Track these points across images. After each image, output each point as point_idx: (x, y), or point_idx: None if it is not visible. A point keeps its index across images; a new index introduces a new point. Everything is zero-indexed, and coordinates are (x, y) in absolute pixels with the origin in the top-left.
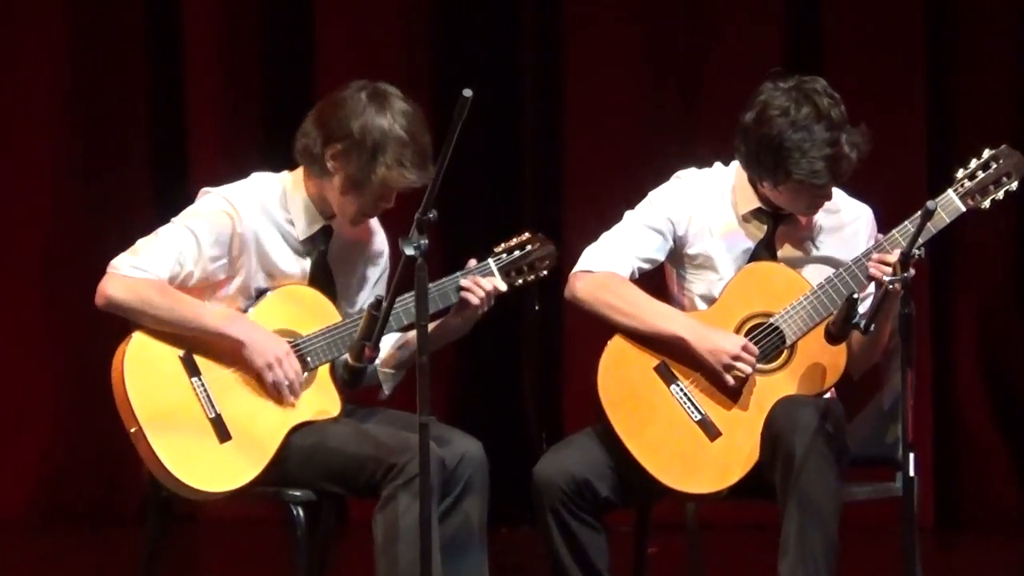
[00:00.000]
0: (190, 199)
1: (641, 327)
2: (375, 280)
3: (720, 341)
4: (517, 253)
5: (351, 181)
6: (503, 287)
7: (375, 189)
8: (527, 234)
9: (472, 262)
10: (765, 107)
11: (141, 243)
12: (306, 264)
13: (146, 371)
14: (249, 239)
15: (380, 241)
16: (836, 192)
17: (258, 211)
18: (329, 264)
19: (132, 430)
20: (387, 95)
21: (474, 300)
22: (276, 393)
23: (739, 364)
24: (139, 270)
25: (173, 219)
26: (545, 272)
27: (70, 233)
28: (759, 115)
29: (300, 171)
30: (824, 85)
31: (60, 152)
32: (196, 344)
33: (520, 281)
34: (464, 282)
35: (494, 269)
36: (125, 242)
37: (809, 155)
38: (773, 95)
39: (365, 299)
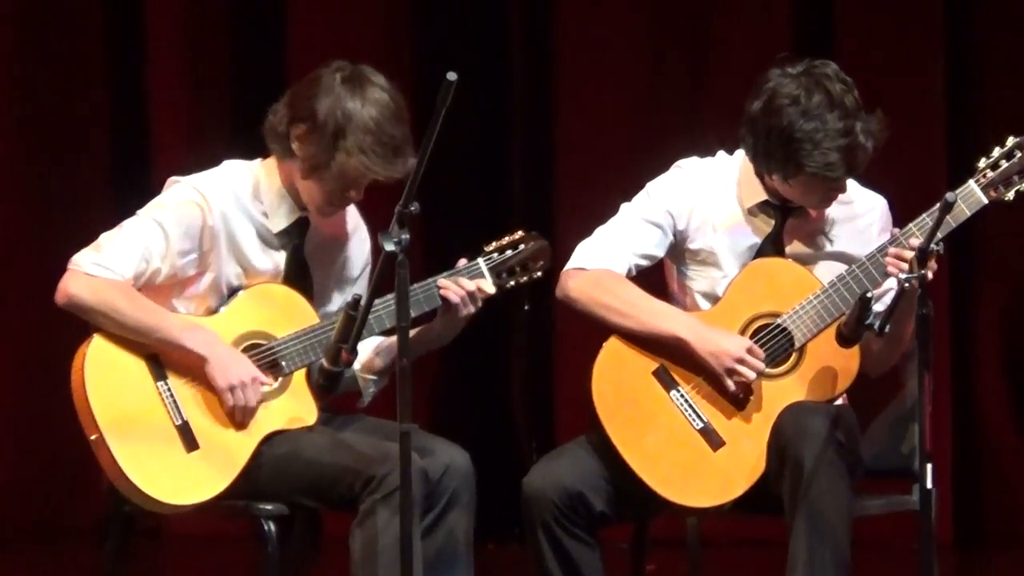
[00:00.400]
0: (152, 190)
1: (638, 328)
2: (355, 278)
3: (723, 343)
4: (509, 252)
5: (309, 164)
6: (490, 289)
7: (334, 177)
8: (520, 232)
9: (462, 261)
10: (773, 95)
11: (104, 238)
12: (280, 259)
13: (109, 373)
14: (220, 231)
15: (362, 236)
16: (849, 182)
17: (230, 201)
18: (305, 259)
19: (92, 437)
20: (365, 80)
21: (454, 298)
22: (233, 417)
23: (743, 368)
24: (103, 268)
25: (138, 211)
26: (539, 273)
27: (22, 226)
28: (767, 104)
29: (274, 159)
30: (835, 69)
31: (11, 140)
32: (160, 349)
33: (512, 283)
34: (443, 281)
35: (484, 270)
36: (82, 236)
37: (822, 146)
38: (781, 82)
39: (344, 299)
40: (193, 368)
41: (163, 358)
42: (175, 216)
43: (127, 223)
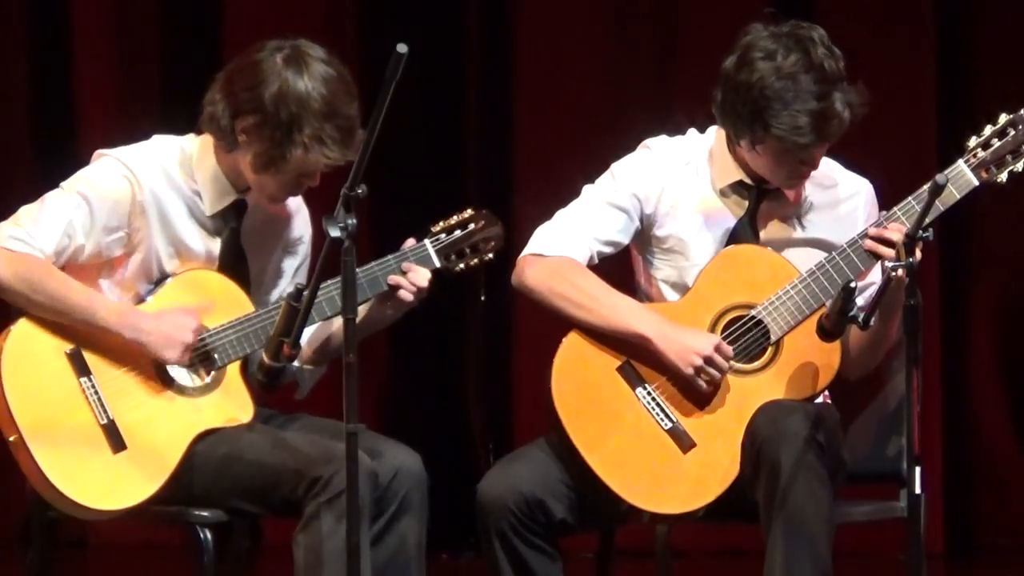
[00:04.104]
0: (76, 164)
1: (599, 323)
2: (295, 267)
3: (689, 341)
4: (458, 233)
5: (264, 160)
6: (424, 281)
7: (292, 169)
8: (469, 211)
9: (410, 241)
10: (748, 49)
11: (24, 211)
12: (215, 244)
13: (28, 370)
14: (151, 209)
15: (304, 218)
16: (831, 164)
17: (161, 178)
18: (242, 244)
19: (11, 438)
20: (306, 58)
21: (408, 297)
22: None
23: (710, 369)
24: (21, 242)
25: (62, 184)
26: (490, 255)
27: None
28: (741, 58)
29: (208, 137)
30: (822, 35)
31: None
32: (85, 338)
33: (461, 266)
34: (395, 278)
35: (431, 252)
36: (2, 211)
37: (792, 107)
38: (760, 36)
39: (282, 289)
40: (123, 353)
41: (87, 349)
42: (101, 190)
43: (49, 196)
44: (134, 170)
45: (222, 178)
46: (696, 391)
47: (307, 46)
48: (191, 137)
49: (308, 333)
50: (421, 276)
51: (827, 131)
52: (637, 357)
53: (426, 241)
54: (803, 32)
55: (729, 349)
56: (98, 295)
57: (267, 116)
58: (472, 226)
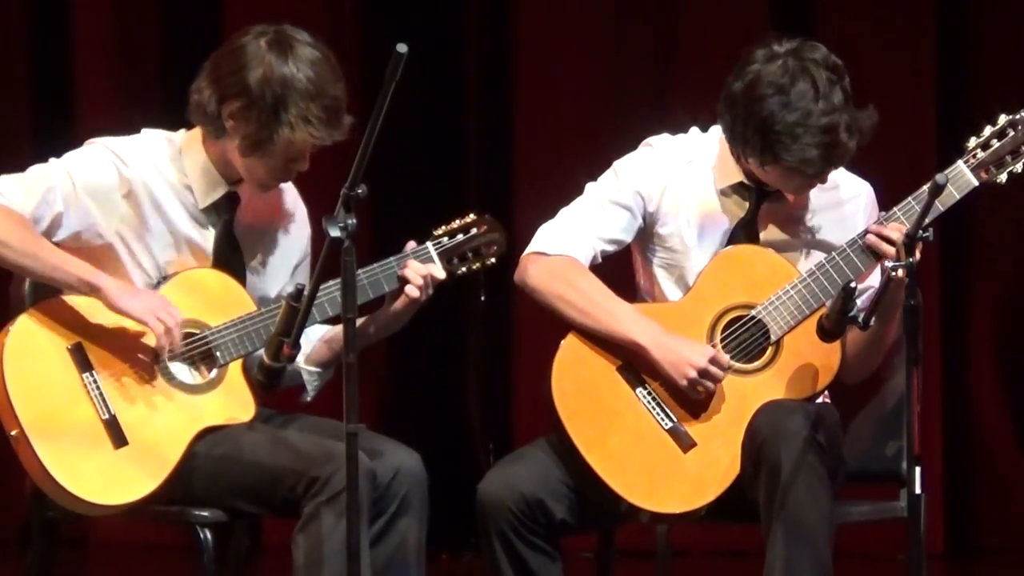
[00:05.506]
0: None
1: (596, 327)
2: (294, 264)
3: (684, 351)
4: (460, 237)
5: (251, 142)
6: (441, 275)
7: (279, 152)
8: (472, 215)
9: (411, 244)
10: (757, 81)
11: (5, 176)
12: (208, 237)
13: (29, 365)
14: (143, 199)
15: (300, 219)
16: None
17: (149, 166)
18: (236, 237)
19: (12, 433)
20: (291, 40)
21: (414, 293)
22: (162, 347)
23: (705, 381)
24: None
25: (51, 159)
26: (493, 260)
27: None
28: (749, 88)
29: (197, 131)
30: (825, 55)
31: None
32: (88, 334)
33: (463, 269)
34: (405, 271)
35: (433, 255)
36: None
37: (802, 141)
38: (767, 68)
39: (281, 285)
40: (121, 349)
41: (88, 345)
42: (87, 170)
43: (33, 167)
44: (122, 156)
45: (212, 169)
46: None
47: (291, 30)
48: (180, 132)
49: (314, 338)
50: (423, 268)
51: (834, 160)
52: (635, 361)
53: (428, 243)
54: (806, 55)
55: (725, 358)
56: (70, 257)
57: (253, 99)
58: (474, 230)
